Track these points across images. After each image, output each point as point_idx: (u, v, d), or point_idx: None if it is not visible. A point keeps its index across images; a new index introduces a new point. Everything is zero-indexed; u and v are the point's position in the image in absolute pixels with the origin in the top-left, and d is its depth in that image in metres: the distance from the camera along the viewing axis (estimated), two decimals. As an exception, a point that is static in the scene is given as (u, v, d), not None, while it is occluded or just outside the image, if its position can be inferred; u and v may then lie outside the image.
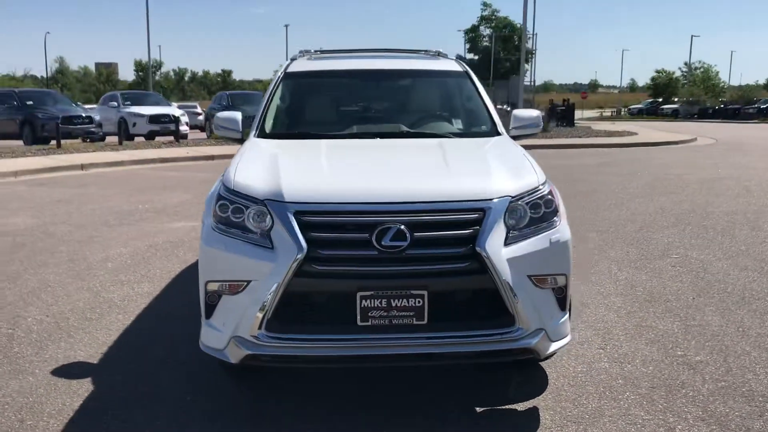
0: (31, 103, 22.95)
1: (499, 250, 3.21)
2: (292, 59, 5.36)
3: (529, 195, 3.45)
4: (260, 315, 3.17)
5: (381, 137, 4.46)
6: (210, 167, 15.59)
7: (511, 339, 3.28)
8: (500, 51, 55.17)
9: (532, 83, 46.70)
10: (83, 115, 23.03)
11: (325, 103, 5.14)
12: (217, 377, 3.95)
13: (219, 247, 3.31)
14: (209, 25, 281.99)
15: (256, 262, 3.18)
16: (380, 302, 3.16)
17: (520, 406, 3.64)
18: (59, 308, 5.30)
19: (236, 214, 3.33)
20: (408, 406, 3.66)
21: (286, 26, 77.32)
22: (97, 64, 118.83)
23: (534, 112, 4.77)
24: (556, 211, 3.51)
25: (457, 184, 3.46)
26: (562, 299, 3.49)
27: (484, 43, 58.35)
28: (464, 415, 3.56)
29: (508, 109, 18.69)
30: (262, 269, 3.16)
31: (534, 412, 3.56)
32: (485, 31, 58.86)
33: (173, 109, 25.60)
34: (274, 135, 4.57)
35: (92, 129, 22.76)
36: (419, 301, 3.18)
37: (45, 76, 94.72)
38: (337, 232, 3.21)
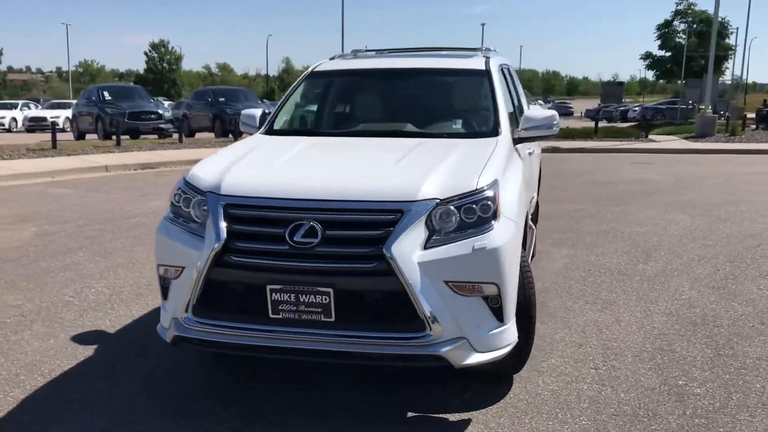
0: (222, 99, 25.26)
1: (411, 253, 3.13)
2: (331, 59, 5.51)
3: (461, 198, 3.31)
4: (186, 299, 3.37)
5: (382, 136, 4.46)
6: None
7: (420, 345, 3.18)
8: (697, 47, 51.09)
9: (737, 81, 42.69)
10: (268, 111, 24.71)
11: (337, 102, 5.23)
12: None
13: (165, 234, 3.56)
14: (419, 25, 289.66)
15: (189, 250, 3.38)
16: (289, 296, 3.22)
17: (454, 416, 3.51)
18: (123, 282, 5.89)
19: (185, 204, 3.55)
20: (338, 407, 3.67)
21: (482, 25, 77.20)
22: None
23: (547, 113, 4.51)
24: (493, 218, 3.33)
25: (383, 184, 3.40)
26: (497, 309, 3.33)
27: (678, 39, 54.30)
28: (394, 417, 3.51)
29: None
30: (192, 257, 3.35)
31: (463, 425, 3.42)
32: (680, 26, 54.80)
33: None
34: (280, 132, 4.74)
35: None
36: (326, 299, 3.19)
37: (268, 75, 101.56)
38: (254, 226, 3.31)
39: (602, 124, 31.25)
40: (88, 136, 23.97)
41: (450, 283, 3.19)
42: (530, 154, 5.19)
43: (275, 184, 3.46)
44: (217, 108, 24.56)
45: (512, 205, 3.54)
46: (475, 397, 3.71)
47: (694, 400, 3.69)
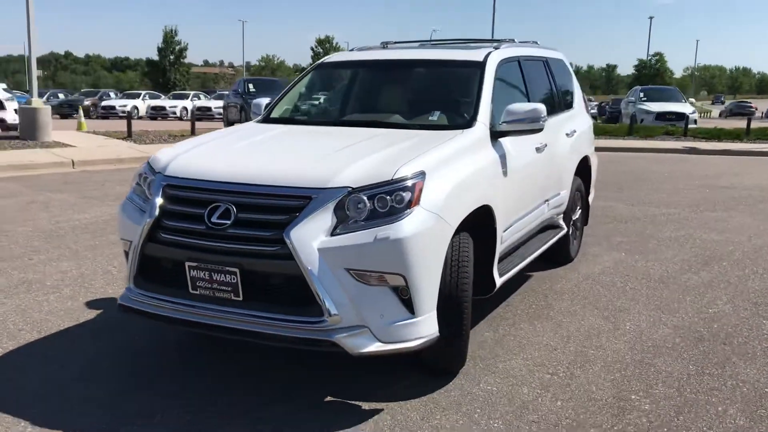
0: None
1: (313, 238, 3.20)
2: (350, 50, 5.62)
3: (375, 188, 3.33)
4: (129, 271, 3.68)
5: (360, 126, 4.53)
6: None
7: (316, 330, 3.25)
8: None
9: None
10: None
11: (331, 92, 5.33)
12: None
13: (122, 211, 3.88)
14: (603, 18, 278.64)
15: (134, 225, 3.67)
16: (204, 274, 3.42)
17: (368, 405, 3.53)
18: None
19: (143, 183, 3.86)
20: (270, 383, 3.81)
21: (651, 19, 72.95)
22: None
23: (529, 107, 4.34)
24: (406, 208, 3.32)
25: (299, 171, 3.48)
26: (407, 301, 3.32)
27: None
28: (311, 400, 3.59)
29: None
30: (136, 231, 3.65)
31: (371, 414, 3.44)
32: None
33: None
34: (274, 120, 4.93)
35: None
36: (233, 278, 3.35)
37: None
38: (180, 206, 3.54)
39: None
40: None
41: (351, 271, 3.23)
42: (539, 149, 4.99)
43: (206, 167, 3.66)
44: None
45: (441, 198, 3.48)
46: (405, 389, 3.70)
47: (634, 415, 3.46)
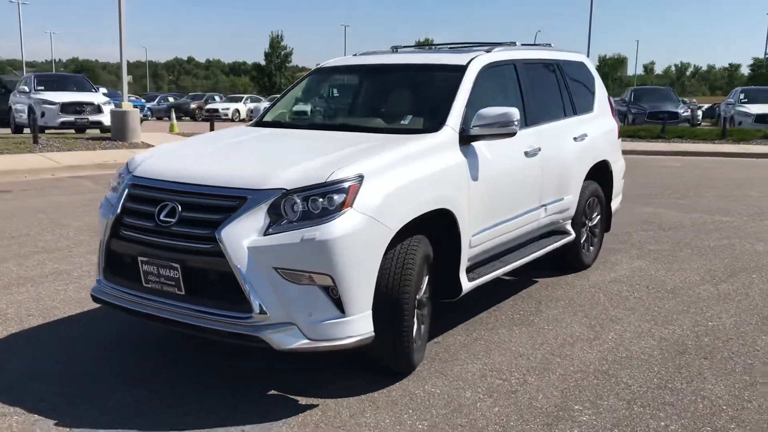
0: None
1: (243, 237, 3.36)
2: (354, 55, 5.75)
3: (309, 189, 3.45)
4: (98, 264, 3.98)
5: (336, 130, 4.66)
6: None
7: (245, 325, 3.41)
8: None
9: None
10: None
11: (319, 97, 5.45)
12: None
13: (100, 208, 4.18)
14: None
15: (104, 221, 3.96)
16: (153, 269, 3.65)
17: (305, 400, 3.65)
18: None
19: (119, 182, 4.15)
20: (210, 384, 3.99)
21: None
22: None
23: (499, 110, 4.32)
24: (338, 210, 3.41)
25: (240, 172, 3.65)
26: (337, 300, 3.42)
27: None
28: (256, 391, 3.75)
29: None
30: (103, 227, 3.94)
31: (305, 408, 3.56)
32: None
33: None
34: (263, 124, 5.13)
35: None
36: (176, 273, 3.56)
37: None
38: (137, 203, 3.79)
39: None
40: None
41: (280, 270, 3.37)
42: (528, 153, 4.94)
43: (167, 168, 3.90)
44: None
45: (378, 200, 3.55)
46: (351, 387, 3.77)
47: (567, 425, 3.40)
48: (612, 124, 6.57)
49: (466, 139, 4.35)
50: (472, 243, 4.38)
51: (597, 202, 6.28)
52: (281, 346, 3.39)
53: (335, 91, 5.44)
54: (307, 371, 3.98)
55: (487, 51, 5.07)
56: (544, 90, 5.59)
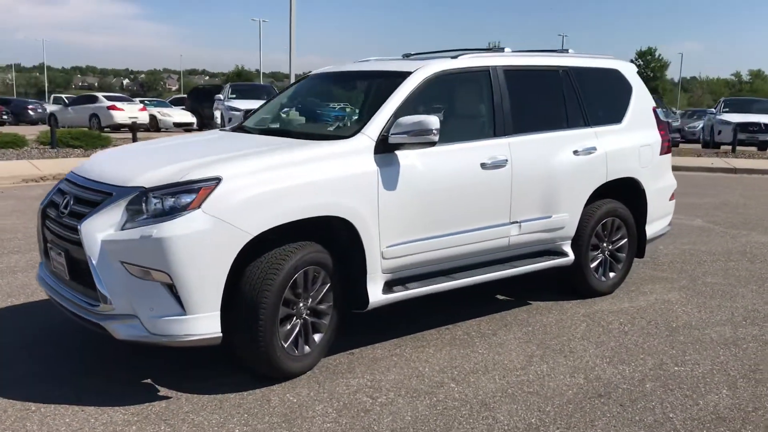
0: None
1: (100, 231, 3.60)
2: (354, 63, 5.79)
3: (163, 189, 3.62)
4: (39, 249, 4.48)
5: (276, 135, 4.76)
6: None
7: (93, 313, 3.66)
8: None
9: None
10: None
11: (289, 103, 5.49)
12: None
13: None
14: None
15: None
16: (53, 254, 4.05)
17: (164, 392, 3.81)
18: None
19: None
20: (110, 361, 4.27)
21: None
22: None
23: (414, 119, 4.13)
24: (183, 210, 3.54)
25: (118, 170, 3.91)
26: (178, 297, 3.56)
27: None
28: (128, 382, 3.99)
29: None
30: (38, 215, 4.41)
31: (157, 399, 3.73)
32: None
33: None
34: (239, 129, 5.33)
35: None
36: (63, 260, 3.92)
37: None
38: (57, 196, 4.19)
39: None
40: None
41: (125, 264, 3.57)
42: (486, 165, 4.65)
43: (88, 166, 4.27)
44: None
45: (234, 203, 3.61)
46: (220, 383, 3.89)
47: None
48: (651, 139, 5.89)
49: (387, 147, 4.22)
50: (385, 255, 4.24)
51: (619, 224, 5.67)
52: (119, 336, 3.59)
53: (300, 98, 5.51)
54: (201, 368, 4.12)
55: (453, 57, 4.85)
56: (532, 99, 5.19)
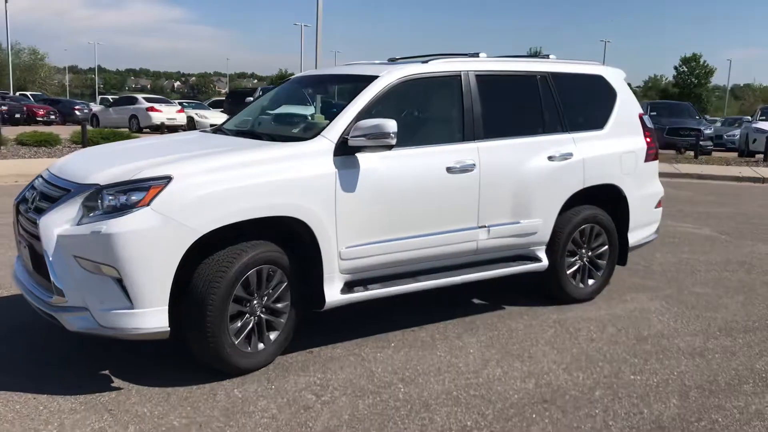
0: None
1: (56, 225, 3.74)
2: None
3: (117, 186, 3.75)
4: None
5: (245, 137, 4.87)
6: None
7: (48, 304, 3.82)
8: None
9: None
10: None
11: (268, 104, 5.59)
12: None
13: None
14: None
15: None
16: (21, 247, 4.23)
17: (117, 383, 3.95)
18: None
19: None
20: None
21: None
22: None
23: (371, 122, 4.20)
24: (133, 207, 3.66)
25: (80, 169, 4.05)
26: (126, 291, 3.69)
27: None
28: (90, 374, 4.14)
29: None
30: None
31: (111, 389, 3.87)
32: None
33: None
34: (217, 130, 5.46)
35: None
36: (27, 252, 4.09)
37: None
38: (29, 191, 4.37)
39: None
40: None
41: (78, 258, 3.72)
42: (453, 169, 4.69)
43: (60, 164, 4.43)
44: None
45: (183, 202, 3.72)
46: (173, 377, 3.99)
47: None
48: (634, 145, 5.84)
49: (347, 150, 4.30)
50: (343, 255, 4.30)
51: (599, 230, 5.63)
52: (71, 327, 3.74)
53: (277, 100, 5.62)
54: (160, 363, 4.24)
55: (424, 62, 4.91)
56: (505, 104, 5.20)
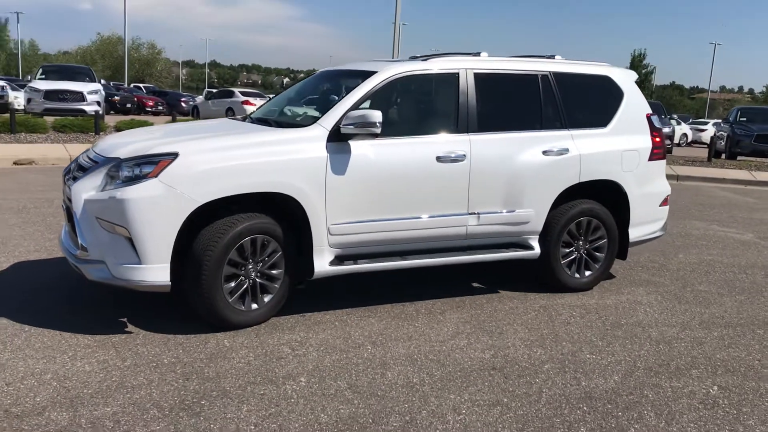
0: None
1: (84, 191, 4.47)
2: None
3: (134, 159, 4.44)
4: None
5: (264, 124, 5.47)
6: None
7: (75, 257, 4.56)
8: None
9: None
10: None
11: (293, 95, 6.20)
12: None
13: None
14: None
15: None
16: (63, 209, 5.01)
17: (130, 328, 4.65)
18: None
19: None
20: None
21: None
22: None
23: (359, 113, 4.71)
24: (145, 177, 4.33)
25: (112, 145, 4.76)
26: (135, 249, 4.38)
27: None
28: (108, 320, 4.86)
29: None
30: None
31: (120, 332, 4.57)
32: None
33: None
34: (245, 118, 6.10)
35: None
36: (65, 214, 4.86)
37: None
38: (74, 164, 5.13)
39: None
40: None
41: (99, 219, 4.44)
42: (443, 158, 5.12)
43: (101, 142, 5.16)
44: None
45: (187, 175, 4.36)
46: (176, 327, 4.64)
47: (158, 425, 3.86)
48: (638, 144, 6.05)
49: (340, 137, 4.82)
50: (332, 231, 4.84)
51: (597, 224, 5.90)
52: (90, 277, 4.46)
53: (299, 92, 6.21)
54: (174, 314, 4.90)
55: (423, 60, 5.37)
56: (502, 100, 5.57)
